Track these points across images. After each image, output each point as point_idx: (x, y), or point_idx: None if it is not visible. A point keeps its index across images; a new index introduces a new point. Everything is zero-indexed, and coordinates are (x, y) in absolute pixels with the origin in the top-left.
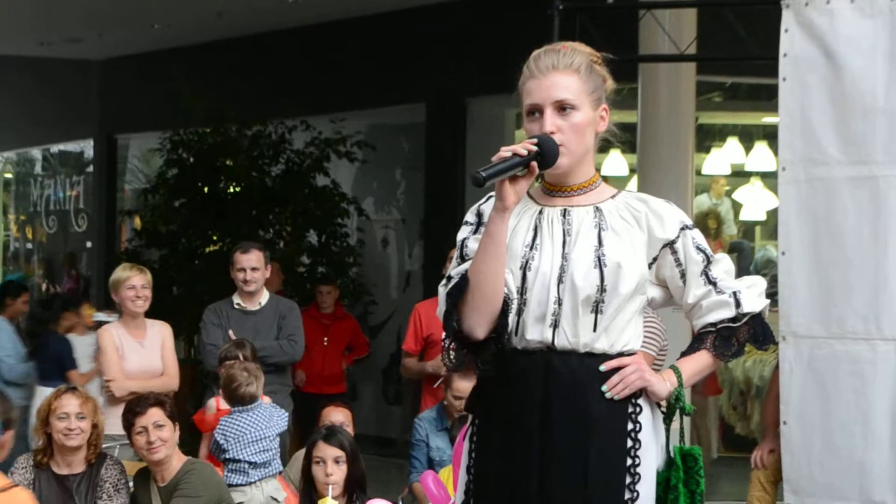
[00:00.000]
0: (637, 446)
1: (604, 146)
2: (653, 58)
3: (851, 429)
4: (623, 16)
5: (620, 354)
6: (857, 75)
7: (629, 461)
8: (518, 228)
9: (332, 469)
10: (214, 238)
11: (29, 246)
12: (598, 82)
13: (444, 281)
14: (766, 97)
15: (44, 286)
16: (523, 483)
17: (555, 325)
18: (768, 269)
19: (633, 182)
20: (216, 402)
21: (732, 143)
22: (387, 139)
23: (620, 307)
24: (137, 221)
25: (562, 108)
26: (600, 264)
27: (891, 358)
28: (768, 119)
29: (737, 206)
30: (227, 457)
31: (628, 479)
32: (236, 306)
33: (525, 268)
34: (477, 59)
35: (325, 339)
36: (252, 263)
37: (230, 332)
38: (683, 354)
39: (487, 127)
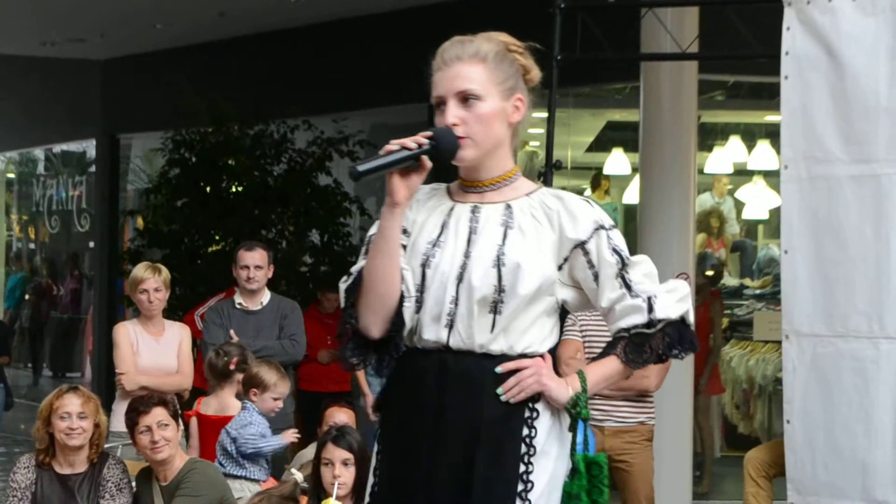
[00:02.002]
0: (532, 452)
1: (606, 145)
2: (655, 56)
3: (854, 427)
4: (625, 14)
5: (522, 357)
6: (860, 73)
7: (522, 468)
8: (427, 224)
9: (341, 471)
10: (217, 238)
11: (31, 246)
12: (510, 72)
13: (345, 277)
14: (769, 96)
15: (46, 286)
16: (414, 488)
17: (450, 325)
18: (771, 268)
19: (636, 181)
20: (197, 404)
21: (735, 141)
22: (389, 138)
23: (520, 308)
24: (140, 221)
25: (465, 98)
26: (499, 264)
27: (894, 356)
28: (770, 117)
29: (739, 205)
30: None
31: (520, 487)
32: (238, 306)
33: (425, 265)
34: None
35: (329, 338)
36: (256, 261)
37: (231, 331)
38: (594, 359)
39: None
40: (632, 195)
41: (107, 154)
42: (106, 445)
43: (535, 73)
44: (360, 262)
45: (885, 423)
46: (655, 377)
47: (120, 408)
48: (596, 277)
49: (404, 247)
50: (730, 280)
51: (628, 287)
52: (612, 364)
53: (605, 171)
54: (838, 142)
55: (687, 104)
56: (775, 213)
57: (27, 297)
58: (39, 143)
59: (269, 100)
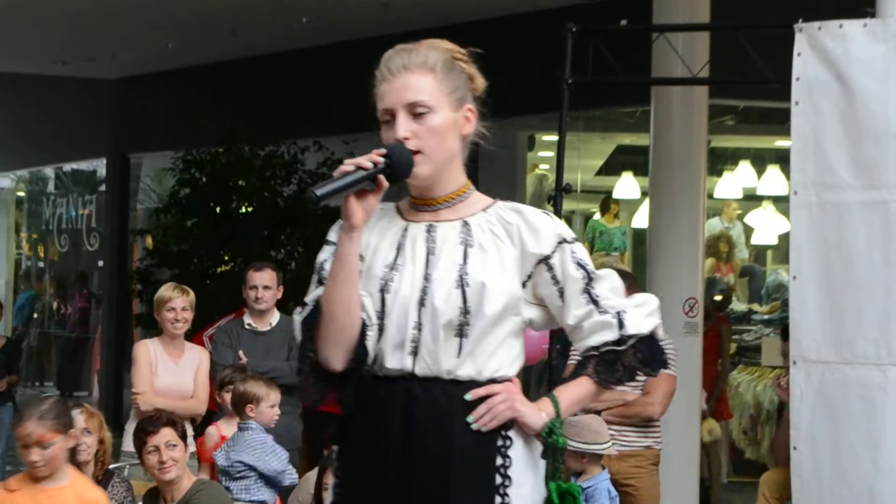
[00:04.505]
0: (507, 483)
1: (616, 169)
2: (666, 81)
3: (861, 454)
4: (636, 39)
5: (491, 382)
6: (870, 99)
7: (498, 500)
8: (381, 247)
9: None
10: (226, 258)
11: (41, 264)
12: (459, 81)
13: (299, 308)
14: (779, 121)
15: (55, 305)
16: None
17: (415, 352)
18: (779, 294)
19: (646, 205)
20: (217, 430)
21: (744, 166)
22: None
23: (487, 330)
24: (149, 241)
25: (416, 111)
26: (462, 284)
27: None
28: (780, 143)
29: (748, 230)
30: None
31: None
32: (247, 326)
33: (384, 290)
34: (489, 81)
35: None
36: (265, 282)
37: (240, 352)
38: (564, 381)
39: (499, 148)
40: (641, 219)
41: (117, 173)
42: (115, 465)
43: (480, 82)
44: (316, 291)
45: (893, 450)
46: (660, 404)
47: (133, 427)
48: (561, 293)
49: (360, 272)
50: (738, 305)
51: (595, 302)
52: (584, 385)
53: (615, 195)
54: (848, 167)
55: (697, 129)
56: (784, 238)
57: (35, 315)
58: (50, 162)
59: (279, 120)
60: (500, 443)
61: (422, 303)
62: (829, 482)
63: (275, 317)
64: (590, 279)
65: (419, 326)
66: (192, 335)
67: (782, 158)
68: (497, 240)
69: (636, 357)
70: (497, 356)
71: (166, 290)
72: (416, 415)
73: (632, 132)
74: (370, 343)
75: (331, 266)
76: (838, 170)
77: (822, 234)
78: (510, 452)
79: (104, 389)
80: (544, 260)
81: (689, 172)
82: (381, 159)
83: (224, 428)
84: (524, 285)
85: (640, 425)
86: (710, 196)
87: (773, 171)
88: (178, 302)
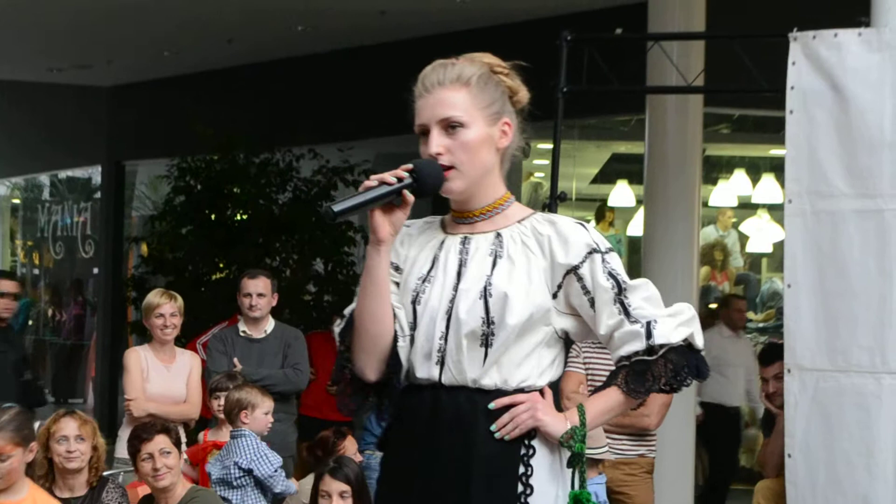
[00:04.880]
0: (528, 492)
1: (611, 177)
2: (660, 89)
3: (856, 462)
4: (631, 47)
5: (518, 391)
6: (865, 108)
7: None
8: (418, 259)
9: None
10: (221, 265)
11: (36, 272)
12: (495, 95)
13: (338, 320)
14: (774, 129)
15: (50, 312)
16: None
17: (441, 362)
18: (774, 302)
19: (640, 213)
20: (203, 436)
21: (739, 174)
22: (394, 168)
23: (511, 340)
24: (144, 248)
25: (449, 126)
26: (486, 295)
27: None
28: (775, 151)
29: (743, 238)
30: None
31: None
32: (242, 334)
33: (415, 301)
34: None
35: None
36: (259, 289)
37: (235, 359)
38: (597, 390)
39: None
40: (636, 227)
41: (112, 180)
42: (109, 472)
43: (523, 94)
44: (353, 304)
45: (887, 457)
46: (656, 416)
47: (126, 434)
48: (592, 303)
49: (397, 284)
50: None
51: (626, 312)
52: (613, 395)
53: (610, 203)
54: (843, 176)
55: (692, 137)
56: (779, 246)
57: (30, 322)
58: (45, 169)
59: (274, 128)
60: (522, 451)
61: (449, 313)
62: (823, 490)
63: (269, 324)
64: (621, 289)
65: (445, 337)
66: (186, 342)
67: (777, 167)
68: (527, 251)
69: (666, 367)
70: (525, 366)
71: (154, 297)
72: (441, 423)
73: (627, 140)
74: (403, 353)
75: (361, 280)
76: (833, 179)
77: (817, 242)
78: (533, 461)
79: (99, 397)
80: (573, 270)
81: (683, 181)
82: (406, 175)
83: (211, 435)
84: (555, 296)
85: (635, 433)
86: (705, 204)
87: (767, 179)
88: (166, 308)
